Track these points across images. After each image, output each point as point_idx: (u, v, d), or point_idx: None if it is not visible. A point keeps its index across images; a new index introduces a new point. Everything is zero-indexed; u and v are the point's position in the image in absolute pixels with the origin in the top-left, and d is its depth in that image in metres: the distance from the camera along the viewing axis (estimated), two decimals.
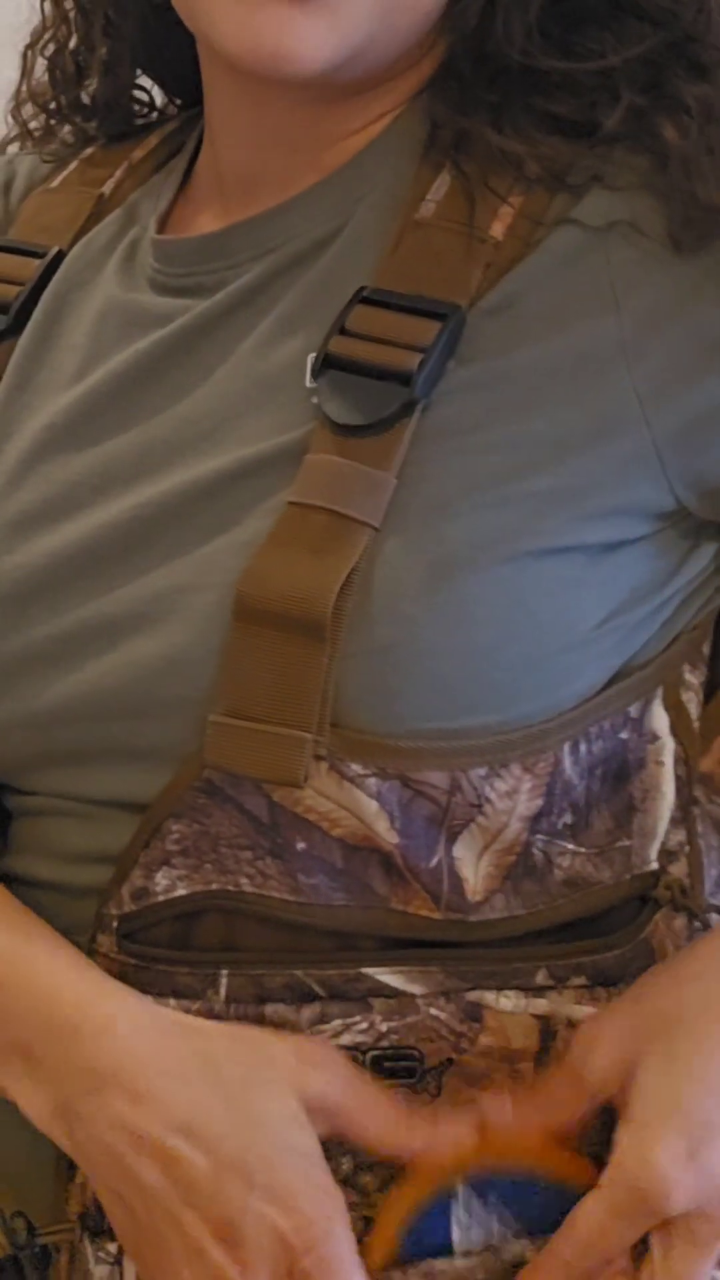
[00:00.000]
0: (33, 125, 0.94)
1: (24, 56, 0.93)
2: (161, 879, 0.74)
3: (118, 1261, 0.74)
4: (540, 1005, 0.74)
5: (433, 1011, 0.74)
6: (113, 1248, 0.74)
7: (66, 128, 0.94)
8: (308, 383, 0.74)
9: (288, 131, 0.80)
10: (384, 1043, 0.74)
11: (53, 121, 0.94)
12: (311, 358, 0.74)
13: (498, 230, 0.75)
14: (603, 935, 0.75)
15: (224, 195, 0.84)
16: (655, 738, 0.76)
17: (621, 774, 0.76)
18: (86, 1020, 0.72)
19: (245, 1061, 0.71)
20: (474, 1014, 0.74)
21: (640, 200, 0.73)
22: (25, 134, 0.95)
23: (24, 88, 0.94)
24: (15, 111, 0.95)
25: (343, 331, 0.74)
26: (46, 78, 0.93)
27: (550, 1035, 0.74)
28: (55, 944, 0.75)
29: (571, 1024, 0.74)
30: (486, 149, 0.76)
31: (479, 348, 0.73)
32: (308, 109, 0.79)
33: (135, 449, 0.78)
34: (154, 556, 0.75)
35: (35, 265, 0.87)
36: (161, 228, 0.85)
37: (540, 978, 0.74)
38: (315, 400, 0.73)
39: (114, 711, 0.74)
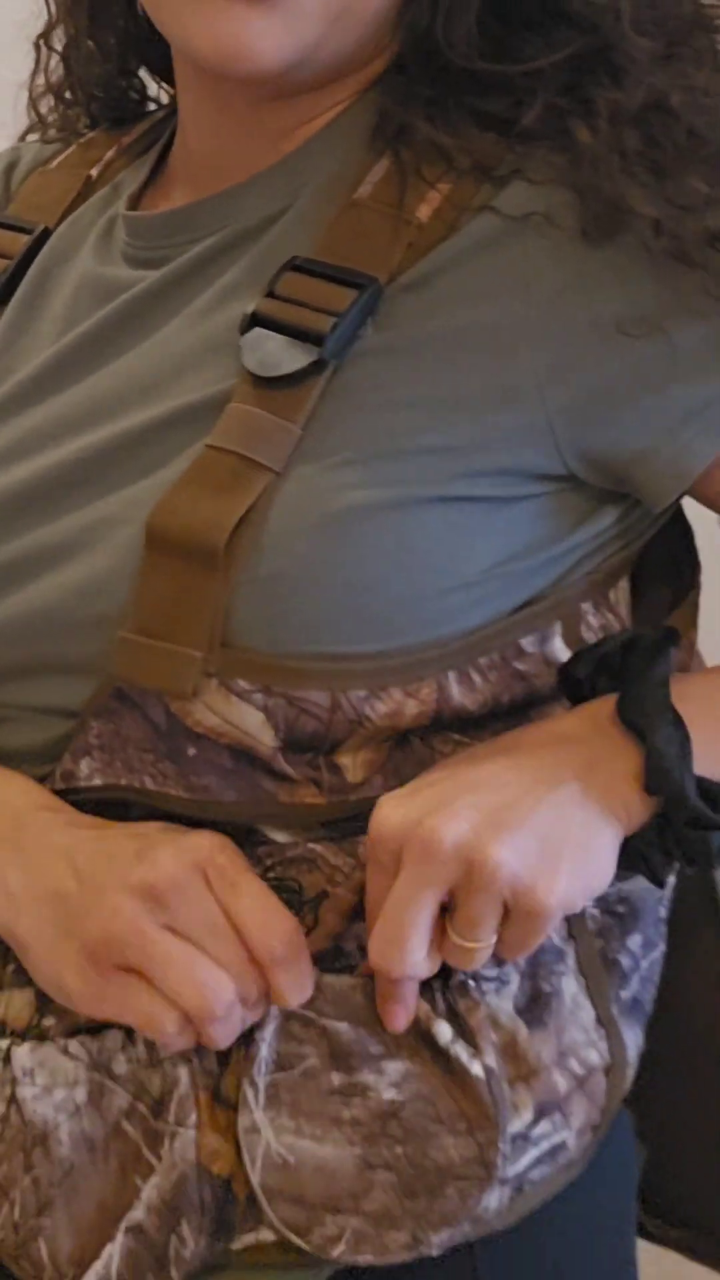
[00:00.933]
0: (50, 118, 1.02)
1: (36, 48, 0.99)
2: (84, 766, 0.83)
3: (6, 1056, 0.82)
4: None
5: (312, 845, 0.81)
6: (3, 1044, 0.83)
7: (80, 116, 1.01)
8: (240, 343, 0.81)
9: (249, 122, 0.87)
10: (270, 874, 0.81)
11: (69, 112, 1.01)
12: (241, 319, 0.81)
13: (424, 213, 0.81)
14: None
15: (192, 176, 0.91)
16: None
17: (527, 701, 0.83)
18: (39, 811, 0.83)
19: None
20: (351, 850, 0.81)
21: (556, 195, 0.79)
22: (43, 124, 1.02)
23: (41, 79, 1.01)
24: (33, 104, 1.02)
25: (271, 295, 0.81)
26: (60, 68, 1.00)
27: None
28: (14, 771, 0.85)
29: None
30: (423, 140, 0.83)
31: (395, 319, 0.80)
32: (267, 103, 0.85)
33: (88, 400, 0.86)
34: (91, 494, 0.83)
35: (23, 241, 0.95)
36: (135, 205, 0.93)
37: None
38: (241, 359, 0.80)
39: (45, 630, 0.82)
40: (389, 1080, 0.80)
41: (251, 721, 0.79)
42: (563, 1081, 0.84)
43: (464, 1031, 0.81)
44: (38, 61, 1.00)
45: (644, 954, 0.88)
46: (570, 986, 0.85)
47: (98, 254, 0.93)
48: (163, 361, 0.85)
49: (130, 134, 1.00)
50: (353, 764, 0.82)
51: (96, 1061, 0.82)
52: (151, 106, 1.02)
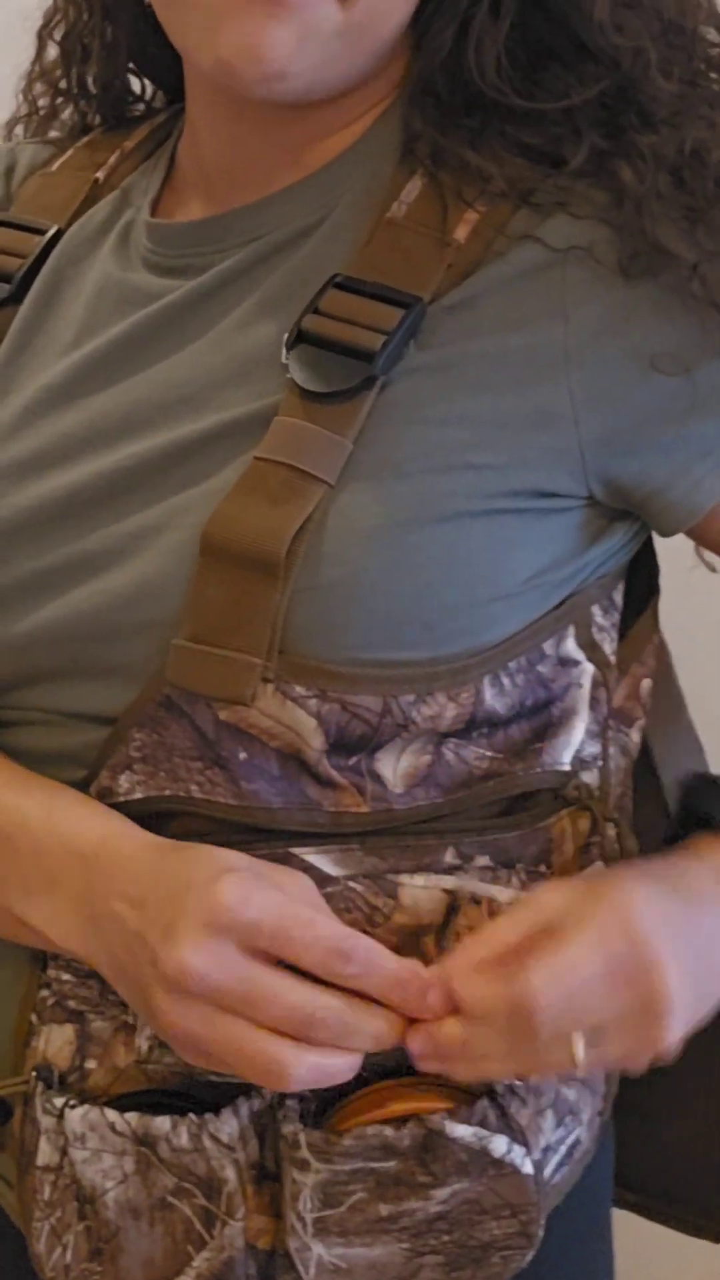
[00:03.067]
0: (41, 104, 1.01)
1: (38, 37, 0.99)
2: (124, 781, 0.82)
3: (60, 1115, 0.82)
4: (448, 881, 0.81)
5: (351, 884, 0.81)
6: (58, 1101, 0.82)
7: (69, 109, 1.00)
8: (283, 358, 0.82)
9: (265, 135, 0.87)
10: None
11: (59, 101, 1.01)
12: (286, 335, 0.82)
13: (461, 234, 0.83)
14: (509, 815, 0.83)
15: (208, 184, 0.91)
16: (575, 663, 0.85)
17: (546, 701, 0.84)
18: (101, 850, 0.80)
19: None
20: (389, 890, 0.81)
21: (597, 231, 0.81)
22: (33, 112, 1.02)
23: (36, 67, 1.00)
24: (26, 90, 1.01)
25: (316, 311, 0.82)
26: (58, 58, 0.99)
27: (454, 910, 0.81)
28: (73, 796, 0.83)
29: (475, 900, 0.81)
30: (458, 162, 0.84)
31: (438, 337, 0.81)
32: (283, 116, 0.86)
33: (122, 409, 0.86)
34: (133, 503, 0.83)
35: (36, 241, 0.94)
36: (153, 212, 0.93)
37: (449, 856, 0.81)
38: (289, 374, 0.81)
39: (88, 634, 0.82)
40: (437, 1200, 0.81)
41: (305, 725, 0.79)
42: (570, 1092, 0.87)
43: (517, 1133, 0.81)
44: (38, 50, 1.00)
45: None
46: None
47: (117, 259, 0.92)
48: (202, 373, 0.85)
49: (132, 137, 0.99)
50: (394, 775, 0.82)
51: (142, 1139, 0.81)
52: (141, 105, 1.02)
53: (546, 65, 0.84)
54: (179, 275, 0.89)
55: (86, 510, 0.84)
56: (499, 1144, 0.80)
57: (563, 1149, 0.86)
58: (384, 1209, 0.80)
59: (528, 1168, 0.81)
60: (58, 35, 0.99)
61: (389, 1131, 0.79)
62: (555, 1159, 0.86)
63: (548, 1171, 0.85)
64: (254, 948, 0.74)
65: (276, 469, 0.79)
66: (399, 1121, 0.80)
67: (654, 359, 0.81)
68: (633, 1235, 1.04)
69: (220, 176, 0.90)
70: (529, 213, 0.83)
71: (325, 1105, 0.82)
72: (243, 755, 0.80)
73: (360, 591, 0.78)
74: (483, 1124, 0.80)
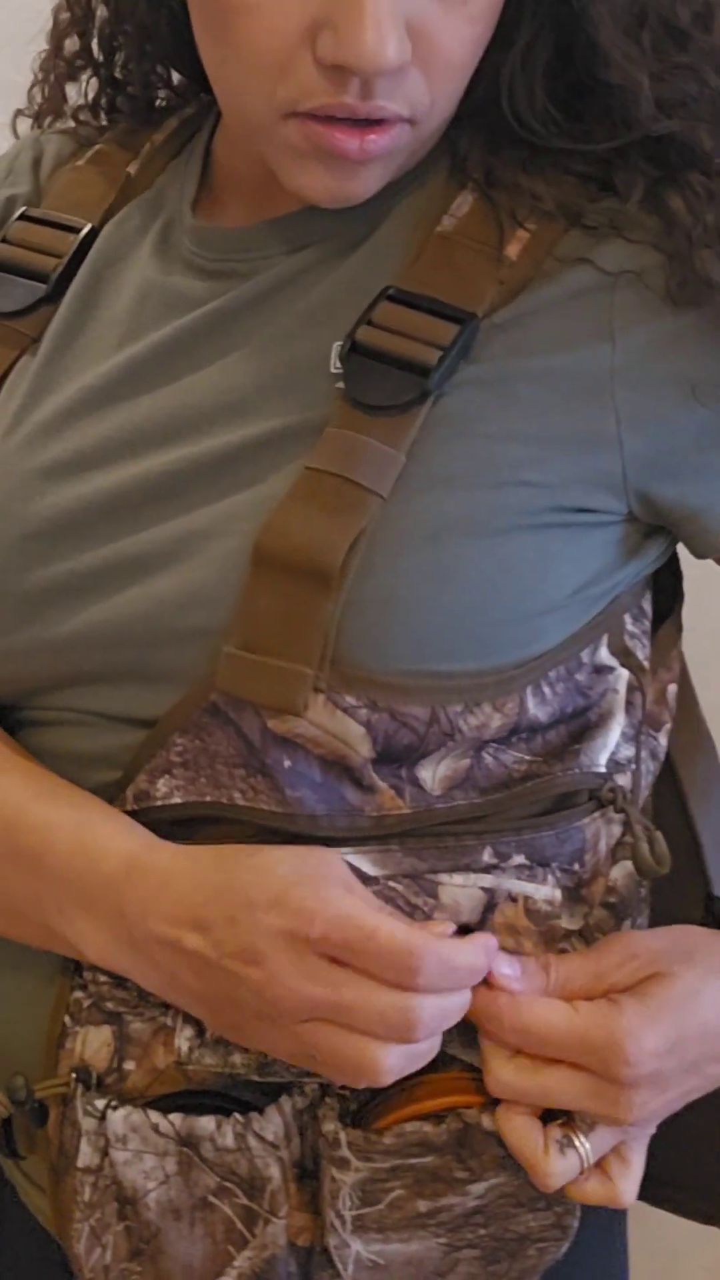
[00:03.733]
0: (69, 96, 1.00)
1: (55, 27, 0.98)
2: (162, 785, 0.82)
3: (103, 1116, 0.82)
4: (487, 880, 0.82)
5: (392, 884, 0.81)
6: (99, 1103, 0.82)
7: (92, 98, 1.00)
8: (332, 368, 0.82)
9: None
10: None
11: (85, 91, 1.00)
12: (338, 345, 0.82)
13: (512, 251, 0.84)
14: (545, 815, 0.84)
15: (245, 192, 0.91)
16: (609, 671, 0.86)
17: (584, 707, 0.85)
18: (131, 871, 0.80)
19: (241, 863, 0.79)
20: (429, 890, 0.82)
21: (649, 257, 0.82)
22: (54, 106, 1.00)
23: (59, 60, 0.99)
24: (56, 84, 1.00)
25: (369, 323, 0.82)
26: (82, 49, 0.98)
27: (491, 907, 0.82)
28: (99, 811, 0.83)
29: (512, 897, 0.82)
30: (509, 183, 0.85)
31: (488, 353, 0.82)
32: None
33: (167, 413, 0.85)
34: (178, 507, 0.83)
35: (71, 239, 0.94)
36: (193, 212, 0.92)
37: (486, 855, 0.82)
38: (339, 384, 0.81)
39: (133, 638, 0.82)
40: (474, 1195, 0.82)
41: (354, 734, 0.80)
42: None
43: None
44: (58, 42, 0.99)
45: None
46: None
47: (158, 261, 0.92)
48: (248, 380, 0.85)
49: (162, 130, 0.99)
50: (432, 778, 0.83)
51: (185, 1140, 0.82)
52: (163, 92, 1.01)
53: (595, 113, 0.84)
54: (223, 279, 0.89)
55: (129, 513, 0.84)
56: None
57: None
58: (422, 1205, 0.81)
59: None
60: (80, 26, 0.98)
61: (428, 1128, 0.81)
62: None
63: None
64: (329, 956, 0.75)
65: (329, 479, 0.79)
66: (437, 1117, 0.81)
67: (695, 387, 0.82)
68: (641, 1222, 1.05)
69: (261, 186, 0.89)
70: (580, 234, 0.84)
71: (362, 1103, 0.83)
72: (287, 763, 0.81)
73: (412, 604, 0.79)
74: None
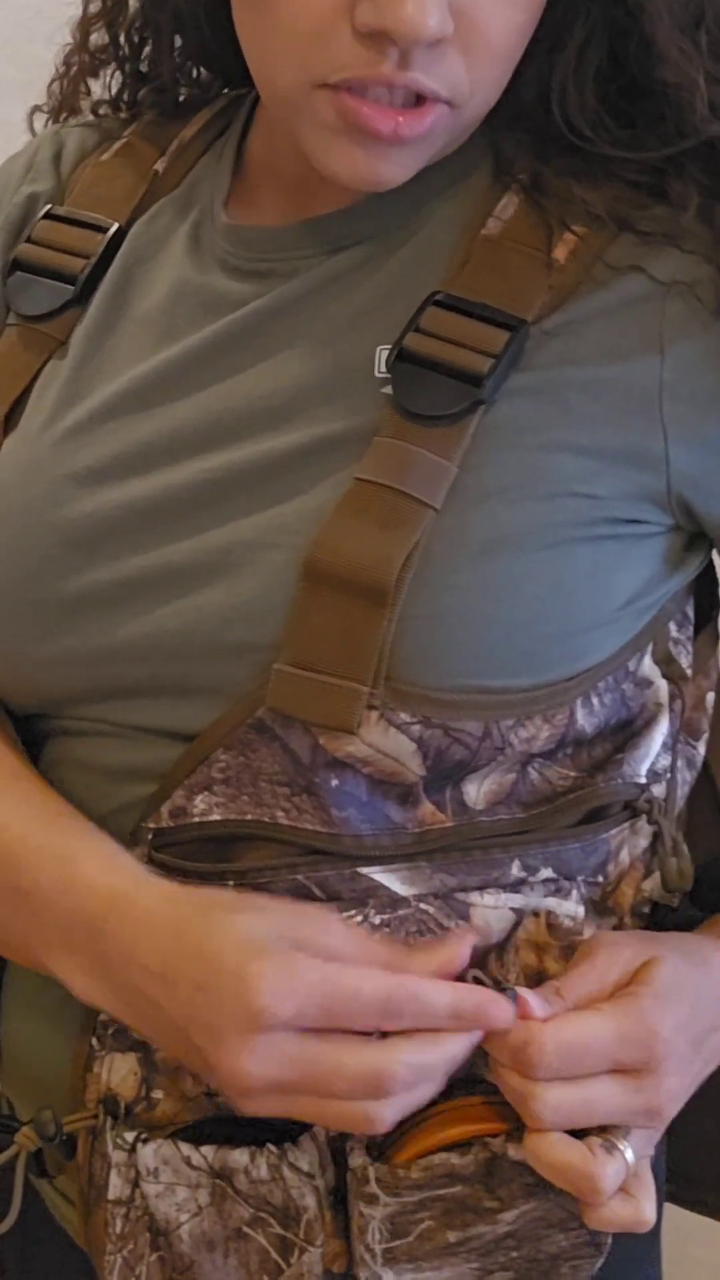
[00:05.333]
0: (90, 89, 0.98)
1: (84, 20, 0.96)
2: (200, 802, 0.80)
3: (132, 1149, 0.80)
4: (516, 900, 0.81)
5: (423, 906, 0.80)
6: (129, 1135, 0.80)
7: (100, 92, 0.97)
8: (377, 373, 0.80)
9: None
10: (377, 935, 0.79)
11: (110, 86, 0.97)
12: (383, 350, 0.81)
13: (560, 254, 0.82)
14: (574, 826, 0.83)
15: (287, 184, 0.88)
16: (650, 683, 0.85)
17: (628, 718, 0.85)
18: (111, 913, 0.78)
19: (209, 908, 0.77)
20: (461, 911, 0.80)
21: (701, 269, 0.80)
22: (72, 101, 0.98)
23: (83, 55, 0.97)
24: (80, 78, 0.98)
25: (418, 330, 0.80)
26: (108, 43, 0.96)
27: (517, 924, 0.81)
28: (91, 840, 0.81)
29: (535, 913, 0.81)
30: (556, 187, 0.83)
31: (538, 359, 0.80)
32: None
33: (207, 417, 0.83)
34: (221, 516, 0.81)
35: (99, 239, 0.91)
36: (225, 211, 0.90)
37: (515, 869, 0.81)
38: (386, 390, 0.79)
39: (175, 653, 0.80)
40: (505, 1222, 0.80)
41: (405, 750, 0.78)
42: None
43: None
44: (86, 38, 0.97)
45: None
46: None
47: (192, 260, 0.89)
48: (290, 385, 0.83)
49: (190, 125, 0.96)
50: (476, 793, 0.81)
51: (218, 1173, 0.80)
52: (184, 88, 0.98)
53: (645, 107, 0.83)
54: (260, 280, 0.86)
55: (170, 520, 0.82)
56: None
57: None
58: (452, 1236, 0.80)
59: None
60: (109, 19, 0.95)
61: (455, 1159, 0.79)
62: None
63: None
64: (304, 1029, 0.73)
65: (379, 491, 0.78)
66: (463, 1147, 0.80)
67: None
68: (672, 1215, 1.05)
69: (298, 181, 0.88)
70: (632, 240, 0.82)
71: (386, 1136, 0.81)
72: (335, 782, 0.79)
73: (467, 619, 0.77)
74: None
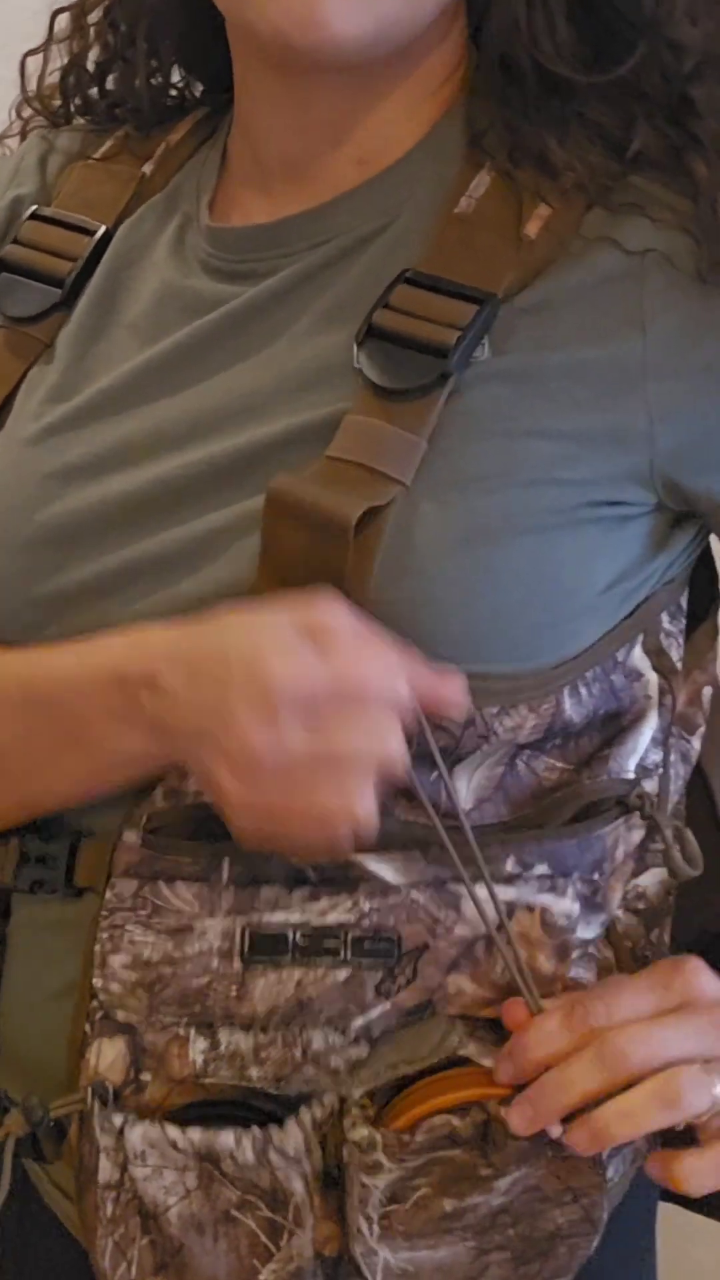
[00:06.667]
0: (73, 95, 0.99)
1: (74, 23, 0.97)
2: (194, 783, 0.80)
3: (120, 1133, 0.81)
4: (509, 893, 0.81)
5: (414, 895, 0.80)
6: (116, 1119, 0.81)
7: (98, 99, 0.98)
8: (356, 363, 0.80)
9: (329, 121, 0.86)
10: (365, 922, 0.80)
11: (89, 91, 0.98)
12: (357, 331, 0.81)
13: (532, 230, 0.82)
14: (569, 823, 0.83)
15: (267, 183, 0.89)
16: (639, 675, 0.85)
17: (617, 710, 0.85)
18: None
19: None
20: (452, 902, 0.81)
21: (676, 237, 0.80)
22: (64, 103, 0.99)
23: (68, 61, 0.98)
24: (62, 81, 0.99)
25: (386, 306, 0.81)
26: (92, 45, 0.97)
27: (509, 916, 0.81)
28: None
29: (529, 907, 0.82)
30: (532, 153, 0.83)
31: (513, 342, 0.80)
32: (345, 96, 0.85)
33: (187, 415, 0.84)
34: (201, 508, 0.81)
35: (85, 242, 0.92)
36: (209, 213, 0.91)
37: (510, 865, 0.81)
38: (357, 365, 0.80)
39: None
40: (499, 1192, 0.80)
41: None
42: None
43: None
44: (70, 39, 0.98)
45: (661, 940, 0.90)
46: None
47: (175, 263, 0.90)
48: (270, 380, 0.84)
49: (176, 130, 0.97)
50: (466, 788, 0.82)
51: (204, 1155, 0.81)
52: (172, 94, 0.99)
53: (607, 35, 0.83)
54: (242, 280, 0.87)
55: (150, 515, 0.83)
56: (554, 1126, 0.80)
57: (627, 1149, 0.86)
58: (447, 1204, 0.80)
59: None
60: (94, 19, 0.97)
61: (455, 1121, 0.79)
62: (616, 1160, 0.86)
63: (610, 1171, 0.84)
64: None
65: (350, 468, 0.78)
66: (462, 1110, 0.80)
67: None
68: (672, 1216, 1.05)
69: (281, 173, 0.88)
70: (603, 213, 0.82)
71: (380, 1107, 0.81)
72: None
73: (450, 607, 0.78)
74: None
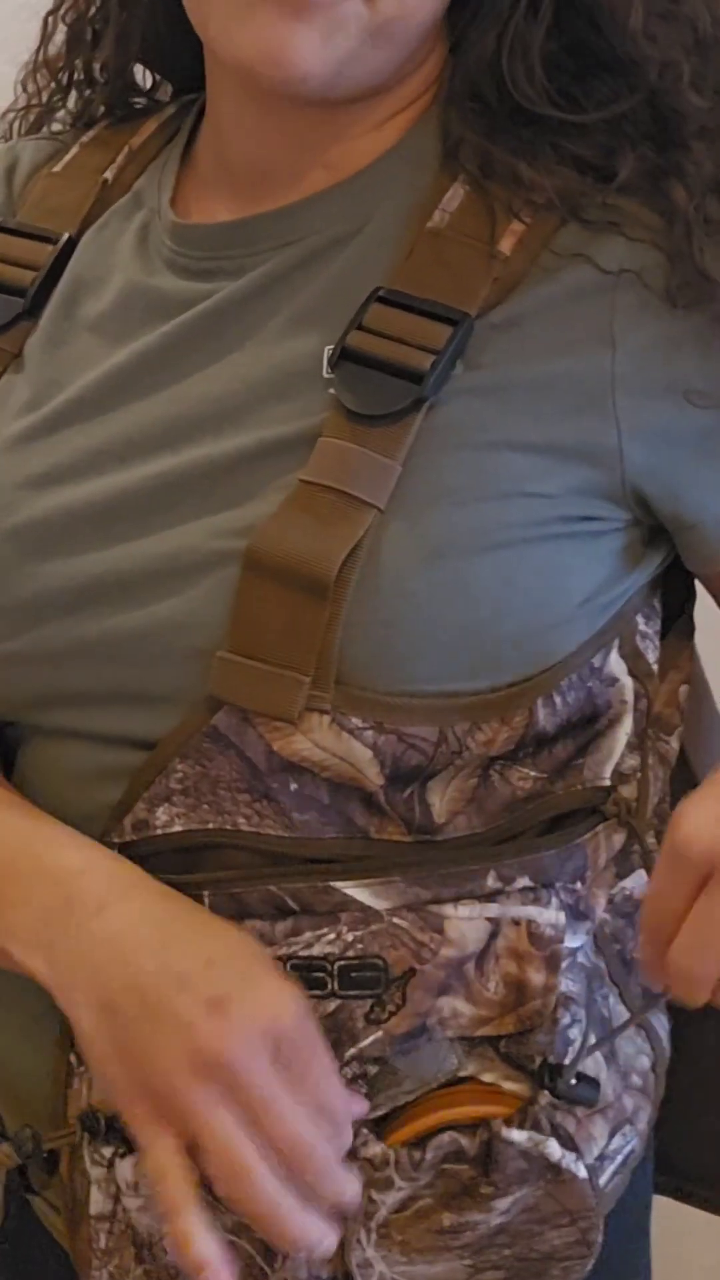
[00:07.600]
0: (43, 94, 0.98)
1: (45, 23, 0.96)
2: (161, 814, 0.80)
3: (110, 1164, 0.80)
4: (492, 909, 0.80)
5: (396, 920, 0.79)
6: (107, 1151, 0.80)
7: (70, 101, 0.98)
8: (325, 373, 0.80)
9: (294, 130, 0.85)
10: (350, 952, 0.79)
11: (58, 94, 0.98)
12: (329, 350, 0.80)
13: (506, 246, 0.81)
14: (545, 836, 0.83)
15: (233, 182, 0.88)
16: (615, 680, 0.84)
17: (591, 717, 0.84)
18: (88, 903, 0.77)
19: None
20: (435, 925, 0.79)
21: (649, 255, 0.80)
22: (32, 104, 0.98)
23: (40, 55, 0.97)
24: (27, 80, 0.98)
25: (360, 328, 0.80)
26: (64, 46, 0.96)
27: (495, 934, 0.80)
28: (63, 834, 0.81)
29: (515, 921, 0.80)
30: (504, 171, 0.82)
31: (485, 357, 0.80)
32: (311, 111, 0.84)
33: (158, 423, 0.83)
34: (170, 519, 0.80)
35: (48, 251, 0.91)
36: (173, 211, 0.89)
37: (490, 880, 0.80)
38: (331, 390, 0.79)
39: (129, 658, 0.80)
40: (498, 1212, 0.80)
41: (361, 757, 0.78)
42: (630, 1100, 0.86)
43: (565, 1139, 0.81)
44: (43, 37, 0.97)
45: None
46: (614, 1004, 0.86)
47: (139, 262, 0.89)
48: (239, 387, 0.83)
49: (139, 134, 0.96)
50: (439, 802, 0.81)
51: (195, 1182, 0.79)
52: (142, 99, 0.99)
53: (592, 76, 0.83)
54: (207, 279, 0.86)
55: (119, 525, 0.82)
56: (553, 1148, 0.80)
57: (619, 1158, 0.86)
58: (447, 1219, 0.80)
59: (582, 1172, 0.81)
60: (69, 19, 0.96)
61: (464, 1139, 0.79)
62: (611, 1168, 0.85)
63: (604, 1179, 0.84)
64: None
65: (324, 493, 0.77)
66: (470, 1128, 0.80)
67: (689, 392, 0.80)
68: (666, 1217, 1.05)
69: (246, 175, 0.87)
70: (578, 228, 0.81)
71: (378, 1120, 0.81)
72: (294, 786, 0.79)
73: (419, 624, 0.77)
74: (535, 1128, 0.80)
